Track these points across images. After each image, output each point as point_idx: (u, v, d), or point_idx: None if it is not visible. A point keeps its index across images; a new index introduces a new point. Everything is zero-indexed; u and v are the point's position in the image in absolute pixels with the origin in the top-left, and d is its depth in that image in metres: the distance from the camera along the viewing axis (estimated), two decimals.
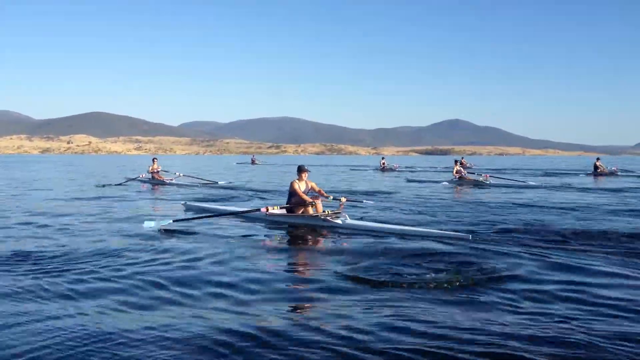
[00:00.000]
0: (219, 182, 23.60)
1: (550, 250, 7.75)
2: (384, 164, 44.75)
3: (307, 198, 10.45)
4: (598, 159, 35.04)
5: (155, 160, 24.50)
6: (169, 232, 9.46)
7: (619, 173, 32.88)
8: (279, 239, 9.26)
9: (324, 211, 10.32)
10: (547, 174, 37.98)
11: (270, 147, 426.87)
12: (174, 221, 9.98)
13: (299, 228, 10.17)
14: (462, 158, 55.03)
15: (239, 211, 11.14)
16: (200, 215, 10.82)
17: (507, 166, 61.25)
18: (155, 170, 23.62)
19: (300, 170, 10.88)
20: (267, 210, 10.51)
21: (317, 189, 10.89)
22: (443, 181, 25.17)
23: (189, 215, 11.72)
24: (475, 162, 60.64)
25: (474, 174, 25.39)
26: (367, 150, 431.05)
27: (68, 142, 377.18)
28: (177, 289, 5.67)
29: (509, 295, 5.40)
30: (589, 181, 27.00)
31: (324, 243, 8.78)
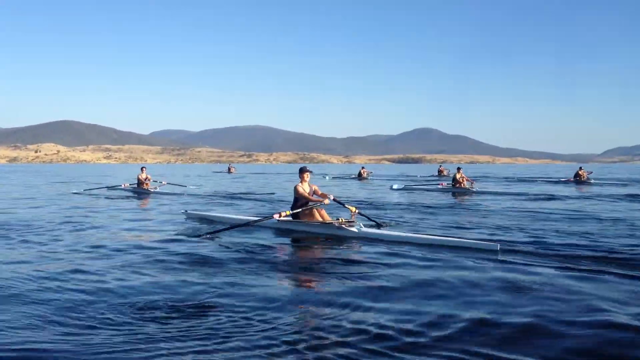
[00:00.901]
0: (204, 189, 23.67)
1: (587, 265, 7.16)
2: (364, 172, 44.46)
3: (313, 198, 10.21)
4: (581, 167, 35.53)
5: (144, 169, 24.03)
6: (179, 243, 9.16)
7: (592, 181, 33.36)
8: (291, 247, 8.99)
9: (337, 218, 9.96)
10: (526, 180, 38.49)
11: (242, 156, 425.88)
12: (207, 234, 9.74)
13: (311, 235, 9.84)
14: (441, 166, 55.31)
15: (251, 220, 10.75)
16: (223, 228, 10.16)
17: (480, 173, 61.80)
18: (144, 179, 23.21)
19: (302, 171, 10.56)
20: (280, 216, 10.17)
21: (319, 192, 10.53)
22: (434, 188, 25.63)
23: (196, 224, 11.58)
24: (451, 170, 61.11)
25: (469, 181, 25.03)
26: (340, 159, 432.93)
27: (36, 151, 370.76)
28: (187, 303, 5.45)
29: (538, 311, 5.05)
30: (574, 189, 27.49)
31: (339, 252, 8.31)
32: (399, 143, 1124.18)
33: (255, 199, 20.20)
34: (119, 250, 8.36)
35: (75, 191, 23.80)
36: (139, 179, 23.20)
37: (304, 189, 10.35)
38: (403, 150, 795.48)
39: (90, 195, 21.78)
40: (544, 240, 9.33)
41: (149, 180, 23.29)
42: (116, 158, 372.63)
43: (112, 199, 19.96)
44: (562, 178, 37.88)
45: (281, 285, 6.17)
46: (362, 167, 47.12)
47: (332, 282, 6.30)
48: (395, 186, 26.88)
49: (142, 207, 17.09)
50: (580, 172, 33.53)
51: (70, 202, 18.41)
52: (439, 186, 25.57)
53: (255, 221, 10.53)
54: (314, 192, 10.47)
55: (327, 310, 5.09)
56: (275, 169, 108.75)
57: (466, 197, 21.23)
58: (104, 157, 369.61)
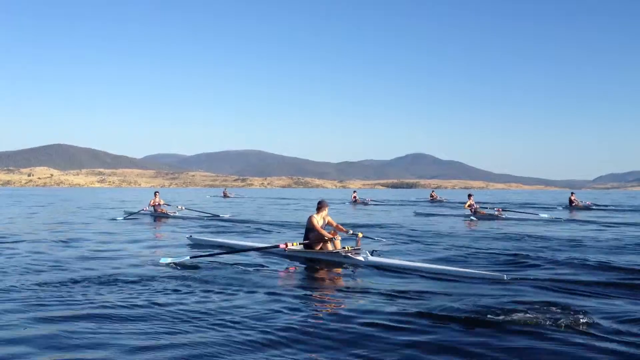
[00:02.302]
0: (222, 216, 23.78)
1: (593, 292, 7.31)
2: (355, 197, 45.01)
3: (327, 233, 10.14)
4: (572, 193, 36.25)
5: (157, 193, 24.32)
6: (184, 267, 9.28)
7: (593, 207, 34.10)
8: (297, 276, 8.90)
9: (343, 247, 9.91)
10: (524, 206, 38.91)
11: (236, 180, 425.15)
12: (190, 257, 9.73)
13: (318, 264, 9.74)
14: (433, 192, 55.69)
15: (256, 247, 10.76)
16: (217, 252, 10.33)
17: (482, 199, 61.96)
18: (157, 204, 23.53)
19: (321, 205, 10.47)
20: (287, 246, 10.05)
21: (334, 224, 10.43)
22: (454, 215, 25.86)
23: (200, 249, 11.50)
24: (445, 196, 61.49)
25: (486, 208, 25.11)
26: (334, 184, 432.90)
27: (29, 175, 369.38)
28: (189, 325, 5.58)
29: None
30: (566, 214, 27.96)
31: (345, 281, 8.23)
32: (392, 168, 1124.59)
33: (282, 225, 20.18)
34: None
35: (116, 217, 23.27)
36: (153, 205, 23.48)
37: (318, 222, 10.29)
38: (397, 175, 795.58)
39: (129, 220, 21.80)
40: (554, 268, 9.36)
41: (161, 204, 23.61)
42: (110, 182, 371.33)
43: (141, 224, 20.23)
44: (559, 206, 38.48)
45: (278, 310, 6.18)
46: (354, 192, 47.93)
47: (336, 311, 6.25)
48: (417, 210, 26.44)
49: (159, 232, 17.30)
50: (572, 198, 34.15)
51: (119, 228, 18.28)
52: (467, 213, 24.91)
53: (261, 248, 10.52)
54: (329, 224, 10.44)
55: (326, 342, 5.05)
56: (270, 193, 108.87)
57: (475, 222, 21.40)
58: (98, 181, 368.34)
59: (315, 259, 10.08)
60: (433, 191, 55.85)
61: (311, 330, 5.43)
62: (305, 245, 10.32)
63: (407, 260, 9.66)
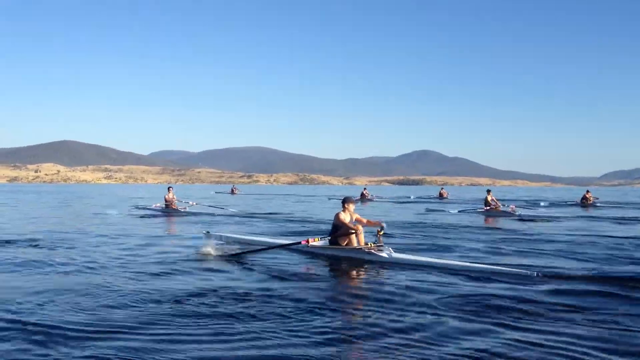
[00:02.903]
0: (230, 210, 24.44)
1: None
2: (366, 194, 44.64)
3: (352, 226, 10.02)
4: (588, 191, 36.18)
5: (170, 189, 24.46)
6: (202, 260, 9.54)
7: (598, 204, 34.02)
8: (319, 272, 8.75)
9: (366, 243, 9.77)
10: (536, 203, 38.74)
11: (242, 177, 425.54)
12: (232, 255, 9.93)
13: (340, 261, 9.64)
14: (442, 189, 55.17)
15: (280, 244, 10.67)
16: (249, 250, 10.31)
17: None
18: (171, 200, 23.62)
19: (347, 201, 10.37)
20: (308, 242, 10.04)
21: (364, 220, 10.35)
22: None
23: (218, 243, 11.50)
24: (452, 193, 61.19)
25: (503, 205, 24.65)
26: (340, 180, 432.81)
27: (36, 171, 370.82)
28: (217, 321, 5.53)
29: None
30: (581, 211, 27.85)
31: (369, 278, 8.09)
32: (398, 165, 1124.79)
33: (291, 220, 20.68)
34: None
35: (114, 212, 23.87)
36: (166, 199, 23.65)
37: (345, 218, 10.20)
38: (403, 172, 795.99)
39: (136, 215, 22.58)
40: (583, 265, 9.26)
41: (175, 200, 23.75)
42: (116, 178, 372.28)
43: (148, 218, 20.92)
44: (569, 201, 38.48)
45: (305, 309, 6.09)
46: (365, 189, 47.34)
47: (361, 310, 6.16)
48: (453, 211, 26.09)
49: (171, 227, 17.40)
50: (586, 196, 34.11)
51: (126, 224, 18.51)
52: (479, 210, 24.84)
53: (284, 245, 10.47)
54: (357, 220, 10.34)
55: (352, 342, 4.94)
56: (277, 190, 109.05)
57: (501, 220, 21.07)
58: (104, 177, 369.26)
59: (337, 256, 9.93)
60: (442, 188, 55.26)
61: (336, 331, 5.30)
62: (330, 241, 10.17)
63: (430, 257, 9.50)
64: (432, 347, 4.78)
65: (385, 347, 4.78)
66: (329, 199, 46.88)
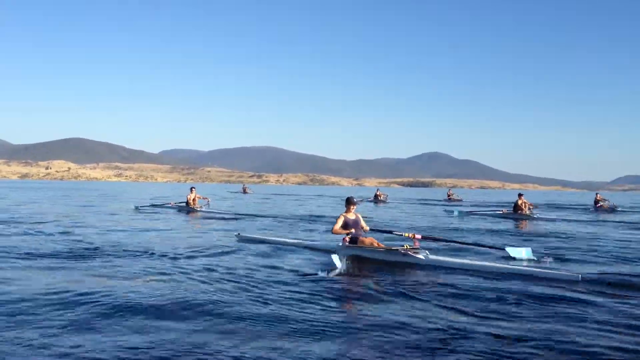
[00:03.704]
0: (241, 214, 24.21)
1: None
2: (379, 195, 44.23)
3: (342, 231, 10.14)
4: (597, 194, 36.00)
5: (193, 189, 24.88)
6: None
7: (619, 209, 33.75)
8: (356, 274, 8.55)
9: (402, 245, 9.64)
10: (552, 207, 38.49)
11: (252, 177, 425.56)
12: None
13: (377, 263, 9.46)
14: (450, 190, 55.12)
15: (312, 245, 10.65)
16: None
17: (503, 200, 60.97)
18: (194, 199, 24.06)
19: (349, 202, 10.45)
20: (344, 242, 10.07)
21: (362, 224, 10.44)
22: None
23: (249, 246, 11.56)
24: (462, 195, 60.94)
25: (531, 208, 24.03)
26: (350, 181, 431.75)
27: (47, 168, 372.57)
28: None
29: None
30: (594, 216, 27.58)
31: (406, 281, 7.86)
32: (408, 166, 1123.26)
33: (302, 219, 21.03)
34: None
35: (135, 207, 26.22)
36: (187, 199, 24.29)
37: (348, 218, 10.28)
38: (412, 174, 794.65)
39: (151, 211, 23.78)
40: (627, 268, 9.05)
41: (197, 199, 24.33)
42: (127, 176, 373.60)
43: (173, 216, 21.53)
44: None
45: (347, 312, 6.07)
46: (378, 190, 46.70)
47: (404, 312, 6.00)
48: (456, 213, 26.09)
49: (198, 226, 17.49)
50: (597, 198, 34.02)
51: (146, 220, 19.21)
52: (501, 212, 24.81)
53: (317, 248, 10.47)
54: (356, 222, 10.34)
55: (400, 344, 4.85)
56: (287, 190, 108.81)
57: (528, 223, 20.81)
58: (115, 175, 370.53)
59: (374, 258, 9.77)
60: (450, 190, 55.31)
61: (375, 328, 5.33)
62: (351, 241, 10.14)
63: (468, 259, 9.35)
64: (470, 349, 4.74)
65: (427, 347, 4.78)
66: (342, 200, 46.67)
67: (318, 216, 23.17)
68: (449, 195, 49.82)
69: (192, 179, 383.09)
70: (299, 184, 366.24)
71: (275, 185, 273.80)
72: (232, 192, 68.98)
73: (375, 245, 9.91)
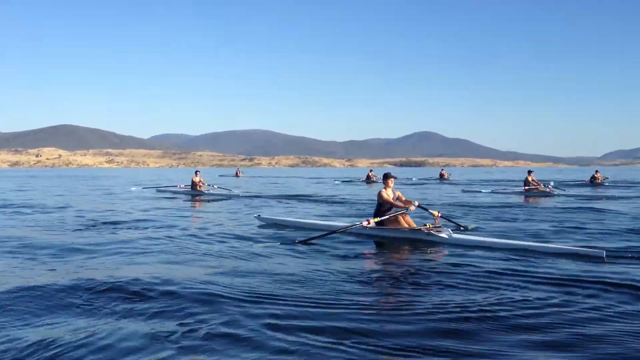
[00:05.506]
0: (237, 192, 24.51)
1: None
2: (372, 175, 43.86)
3: (400, 204, 9.91)
4: (597, 171, 36.21)
5: (198, 172, 25.48)
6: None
7: (607, 183, 34.20)
8: (382, 254, 8.59)
9: (425, 224, 9.53)
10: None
11: (243, 160, 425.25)
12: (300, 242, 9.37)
13: (399, 242, 9.45)
14: (442, 170, 54.81)
15: (342, 227, 10.30)
16: (317, 236, 9.76)
17: (499, 177, 60.41)
18: (198, 182, 24.58)
19: (387, 177, 10.31)
20: (369, 223, 9.81)
21: (403, 198, 10.27)
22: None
23: (276, 229, 11.56)
24: (454, 174, 60.77)
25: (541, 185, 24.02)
26: (342, 162, 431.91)
27: (37, 156, 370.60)
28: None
29: None
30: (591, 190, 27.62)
31: (432, 261, 7.76)
32: (399, 147, 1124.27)
33: (309, 200, 21.62)
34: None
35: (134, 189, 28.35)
36: (193, 182, 24.93)
37: (389, 194, 10.15)
38: (404, 153, 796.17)
39: (160, 196, 24.28)
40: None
41: (202, 183, 24.87)
42: (118, 162, 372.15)
43: (179, 199, 22.09)
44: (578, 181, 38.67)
45: (378, 294, 5.93)
46: (371, 170, 46.17)
47: (432, 292, 5.86)
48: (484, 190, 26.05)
49: (209, 209, 17.73)
50: (596, 175, 34.22)
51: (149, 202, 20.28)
52: (517, 190, 24.73)
53: (345, 228, 10.15)
54: (398, 198, 10.25)
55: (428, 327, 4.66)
56: (279, 172, 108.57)
57: (542, 200, 20.64)
58: (106, 161, 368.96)
59: (397, 238, 9.70)
60: (443, 169, 55.12)
61: (404, 306, 5.28)
62: (380, 222, 9.94)
63: (493, 237, 9.24)
64: (501, 326, 4.64)
65: (455, 328, 4.63)
66: (335, 181, 46.46)
67: (329, 196, 23.64)
68: (441, 175, 49.49)
69: (184, 164, 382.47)
70: (291, 166, 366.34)
71: (268, 168, 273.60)
72: (223, 175, 68.59)
73: (410, 223, 9.92)
